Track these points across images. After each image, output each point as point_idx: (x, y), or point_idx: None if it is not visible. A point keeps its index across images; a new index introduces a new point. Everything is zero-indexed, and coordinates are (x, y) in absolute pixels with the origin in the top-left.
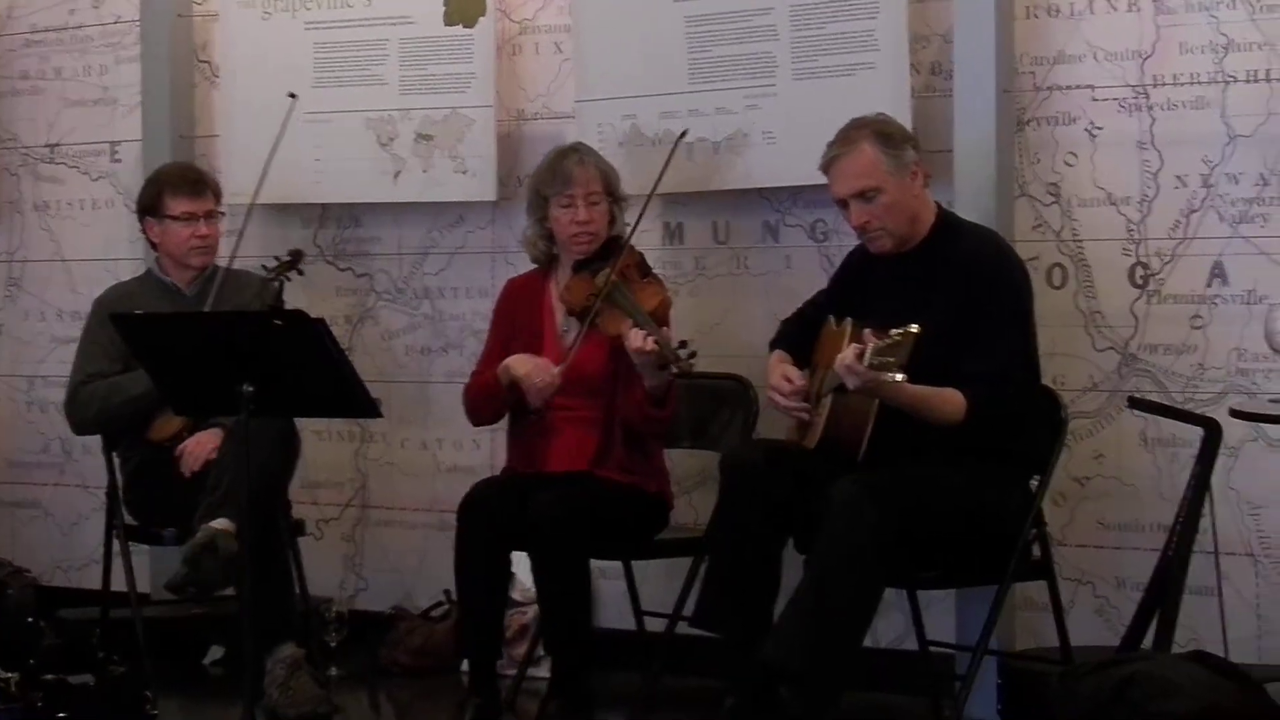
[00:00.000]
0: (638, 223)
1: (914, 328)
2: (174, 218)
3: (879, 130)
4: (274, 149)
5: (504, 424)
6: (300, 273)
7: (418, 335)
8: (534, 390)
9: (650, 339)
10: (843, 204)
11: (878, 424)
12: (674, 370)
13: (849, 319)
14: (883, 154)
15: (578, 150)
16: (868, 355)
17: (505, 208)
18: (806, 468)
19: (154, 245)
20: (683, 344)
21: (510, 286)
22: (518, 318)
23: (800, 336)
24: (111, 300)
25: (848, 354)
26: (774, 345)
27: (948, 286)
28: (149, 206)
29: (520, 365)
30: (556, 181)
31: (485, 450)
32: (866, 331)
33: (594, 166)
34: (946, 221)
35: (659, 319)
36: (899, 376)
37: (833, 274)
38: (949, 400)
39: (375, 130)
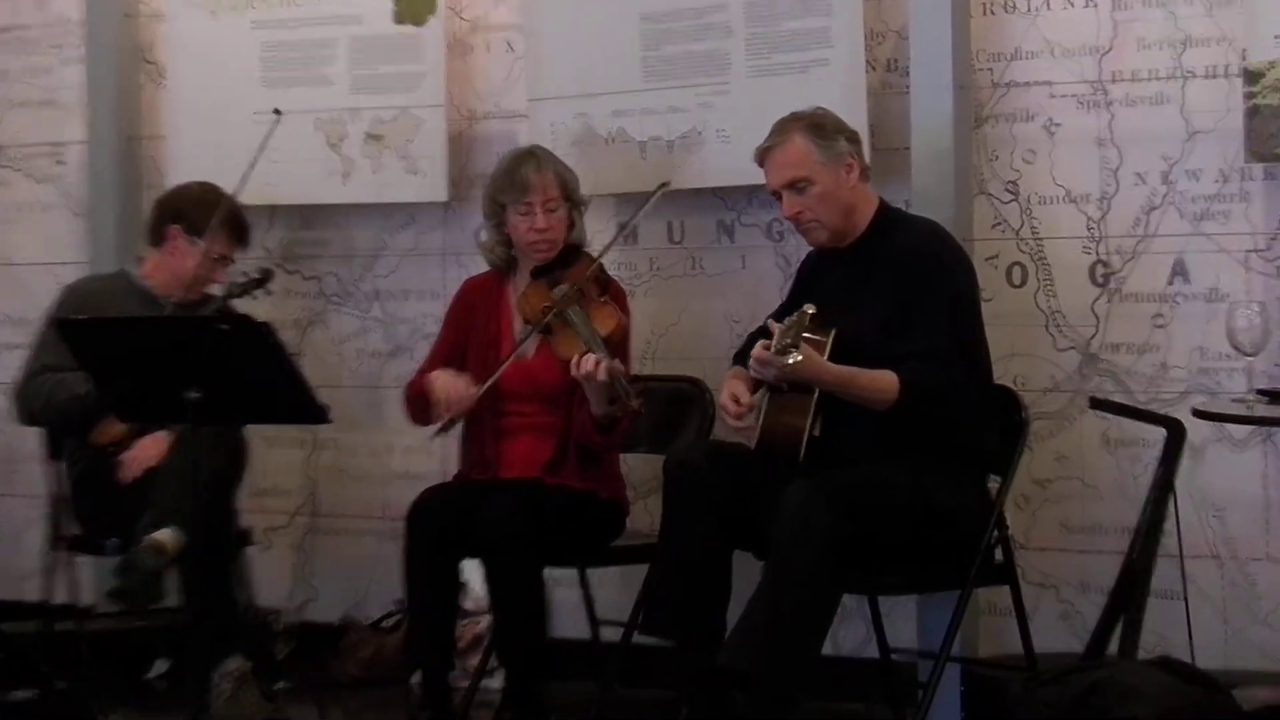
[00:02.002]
0: (605, 250)
1: (808, 308)
2: (208, 252)
3: (812, 122)
4: (253, 163)
5: (458, 430)
6: (268, 293)
7: (368, 339)
8: (445, 406)
9: (602, 366)
10: (776, 195)
11: (819, 422)
12: (620, 410)
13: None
14: (814, 145)
15: (535, 155)
16: (774, 345)
17: (457, 208)
18: (748, 467)
19: (157, 244)
20: (635, 381)
21: (467, 287)
22: (474, 320)
23: None
24: (80, 294)
25: (755, 349)
26: (737, 359)
27: (885, 279)
28: (194, 223)
29: (438, 380)
30: (513, 189)
31: (438, 457)
32: (772, 324)
33: (551, 172)
34: (886, 215)
35: (613, 346)
36: (796, 357)
37: (791, 280)
38: (880, 379)
39: (324, 131)
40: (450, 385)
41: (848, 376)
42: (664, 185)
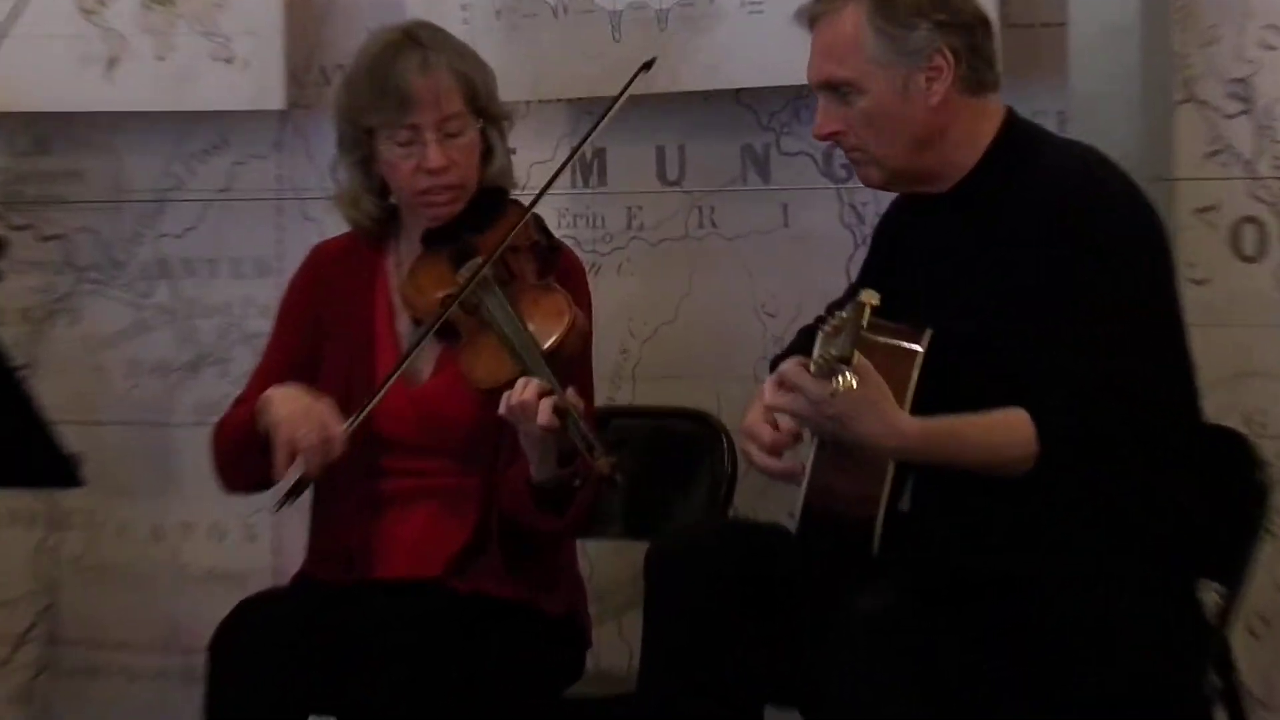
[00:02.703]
0: (544, 189)
1: (867, 296)
2: None
3: None
4: None
5: (304, 499)
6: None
7: (150, 342)
8: (291, 448)
9: (546, 401)
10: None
11: (908, 488)
12: (578, 475)
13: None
14: (870, 29)
15: (418, 42)
16: (815, 356)
17: (301, 121)
18: (787, 562)
19: None
20: (604, 423)
21: (319, 258)
22: (330, 315)
23: None
24: None
25: (788, 369)
26: (775, 365)
27: (1008, 247)
28: None
29: (282, 404)
30: (384, 102)
31: (265, 542)
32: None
33: (447, 69)
34: (1013, 140)
35: (565, 362)
36: (846, 379)
37: (866, 246)
38: (1002, 428)
39: None
40: (302, 414)
41: (950, 430)
42: (647, 64)
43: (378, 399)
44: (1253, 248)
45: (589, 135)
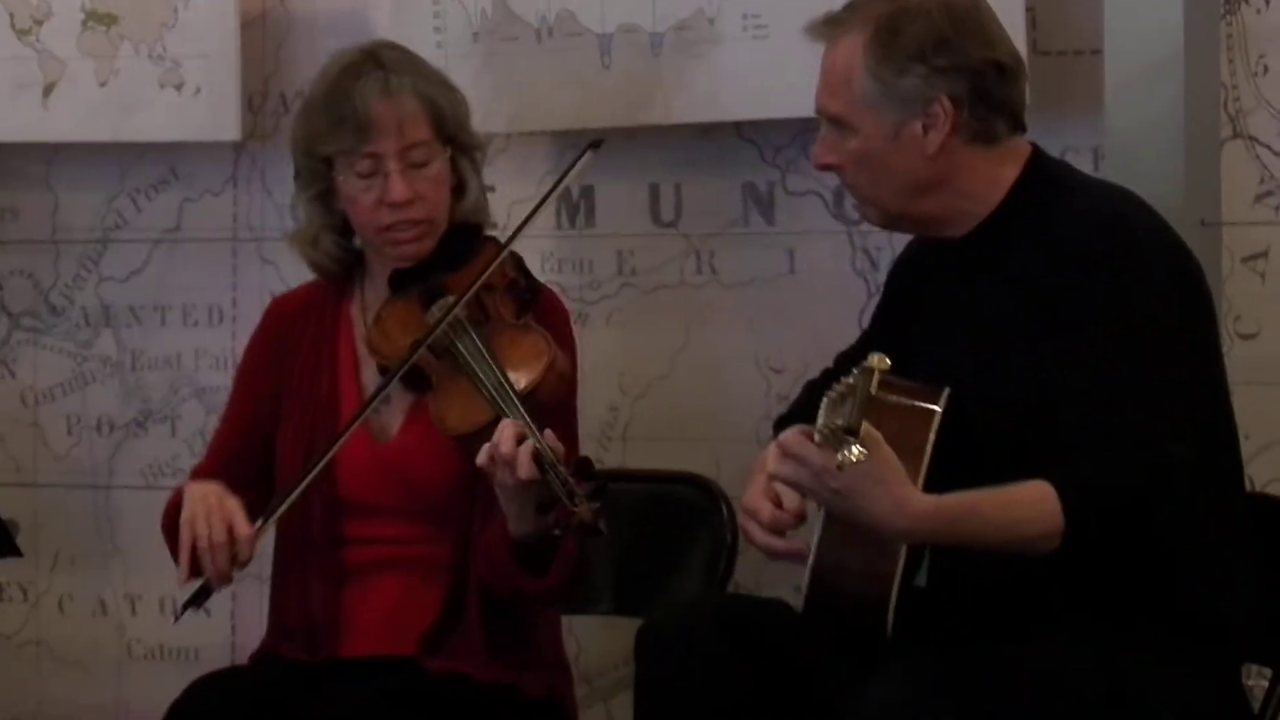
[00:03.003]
0: (521, 226)
1: (877, 361)
2: None
3: (891, 17)
4: None
5: (261, 565)
6: None
7: (91, 396)
8: (191, 552)
9: (526, 446)
10: None
11: (924, 562)
12: (558, 524)
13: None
14: (862, 67)
15: (379, 63)
16: (819, 425)
17: (257, 153)
18: (792, 643)
19: None
20: (584, 465)
21: (276, 315)
22: (290, 372)
23: None
24: None
25: (789, 438)
26: (777, 427)
27: (1029, 298)
28: None
29: (189, 504)
30: (342, 129)
31: (223, 616)
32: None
33: (411, 93)
34: (1037, 179)
35: (544, 406)
36: (855, 451)
37: (879, 298)
38: (1024, 503)
39: (8, 7)
40: (204, 515)
41: (960, 509)
42: (594, 144)
43: (310, 477)
44: None
45: (519, 230)
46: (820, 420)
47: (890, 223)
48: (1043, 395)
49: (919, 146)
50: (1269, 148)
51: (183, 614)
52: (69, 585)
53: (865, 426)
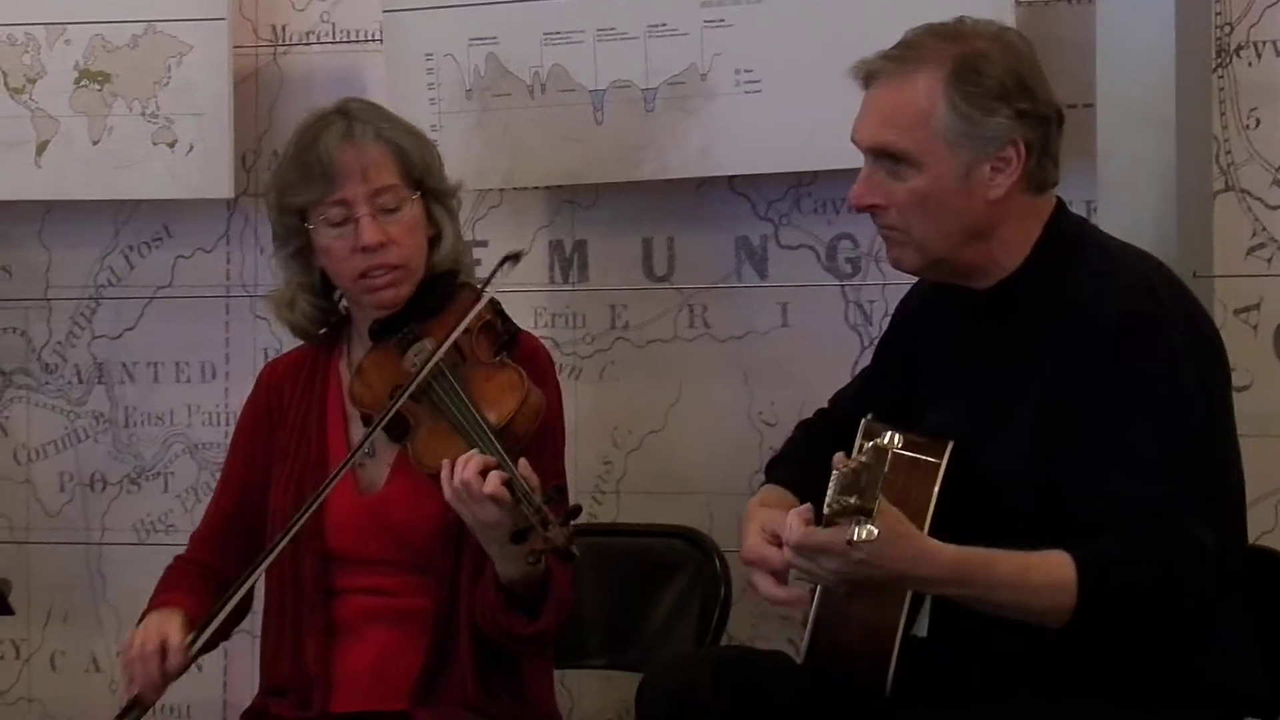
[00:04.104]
0: (492, 275)
1: (889, 439)
2: None
3: (969, 56)
4: None
5: (252, 622)
6: None
7: (84, 453)
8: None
9: (494, 476)
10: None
11: (924, 613)
12: (533, 551)
13: (886, 428)
14: (946, 104)
15: (346, 115)
16: (828, 501)
17: (250, 210)
18: (791, 698)
19: None
20: (557, 491)
21: (269, 378)
22: (282, 434)
23: (820, 456)
24: None
25: (792, 522)
26: (771, 472)
27: (1046, 360)
28: None
29: (137, 631)
30: (309, 178)
31: (215, 673)
32: (839, 459)
33: (374, 139)
34: (1061, 238)
35: (518, 440)
36: (865, 531)
37: (879, 338)
38: (1040, 571)
39: (2, 65)
40: (144, 630)
41: (978, 563)
42: (513, 256)
43: (258, 570)
44: None
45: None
46: (830, 495)
47: (926, 268)
48: (1059, 461)
49: (984, 189)
50: (1261, 200)
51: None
52: (61, 642)
53: (880, 504)
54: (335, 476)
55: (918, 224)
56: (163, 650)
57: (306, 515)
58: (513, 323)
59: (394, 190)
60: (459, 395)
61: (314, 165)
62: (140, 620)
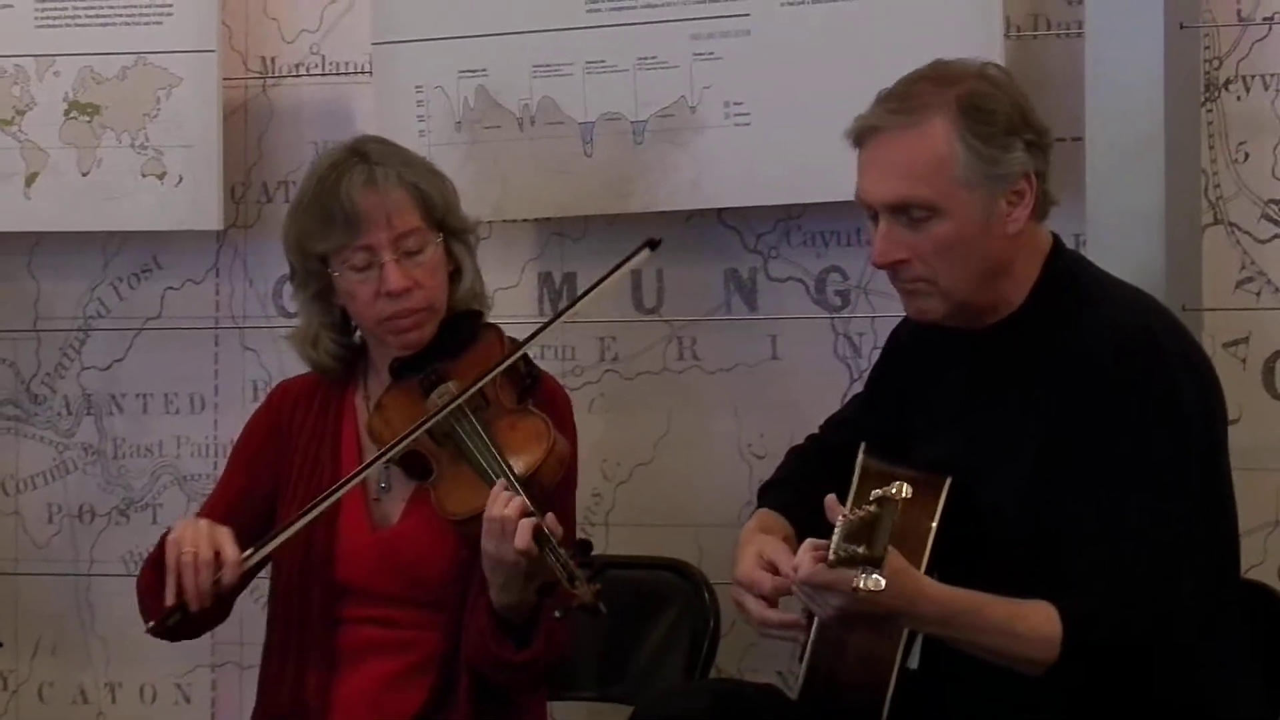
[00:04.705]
0: (526, 341)
1: (898, 489)
2: None
3: (973, 96)
4: None
5: (243, 654)
6: None
7: (72, 485)
8: (176, 568)
9: (526, 521)
10: (873, 214)
11: (917, 645)
12: (558, 605)
13: (890, 472)
14: (963, 146)
15: (364, 158)
16: (834, 547)
17: (239, 242)
18: None
19: None
20: (584, 547)
21: (282, 398)
22: (292, 459)
23: (813, 482)
24: None
25: (803, 561)
26: (763, 497)
27: (1047, 404)
28: None
29: (179, 529)
30: (332, 225)
31: (203, 704)
32: (831, 501)
33: (397, 183)
34: (1061, 276)
35: (544, 490)
36: (872, 581)
37: (871, 369)
38: (1029, 620)
39: None
40: (191, 533)
41: (968, 606)
42: (650, 245)
43: (299, 523)
44: None
45: (571, 304)
46: (835, 540)
47: (949, 314)
48: (1056, 501)
49: (1003, 225)
50: (1250, 234)
51: (156, 632)
52: (50, 673)
53: (889, 554)
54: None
55: (945, 271)
56: (217, 561)
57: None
58: (535, 365)
59: (418, 233)
60: (484, 442)
61: (336, 212)
62: (157, 553)
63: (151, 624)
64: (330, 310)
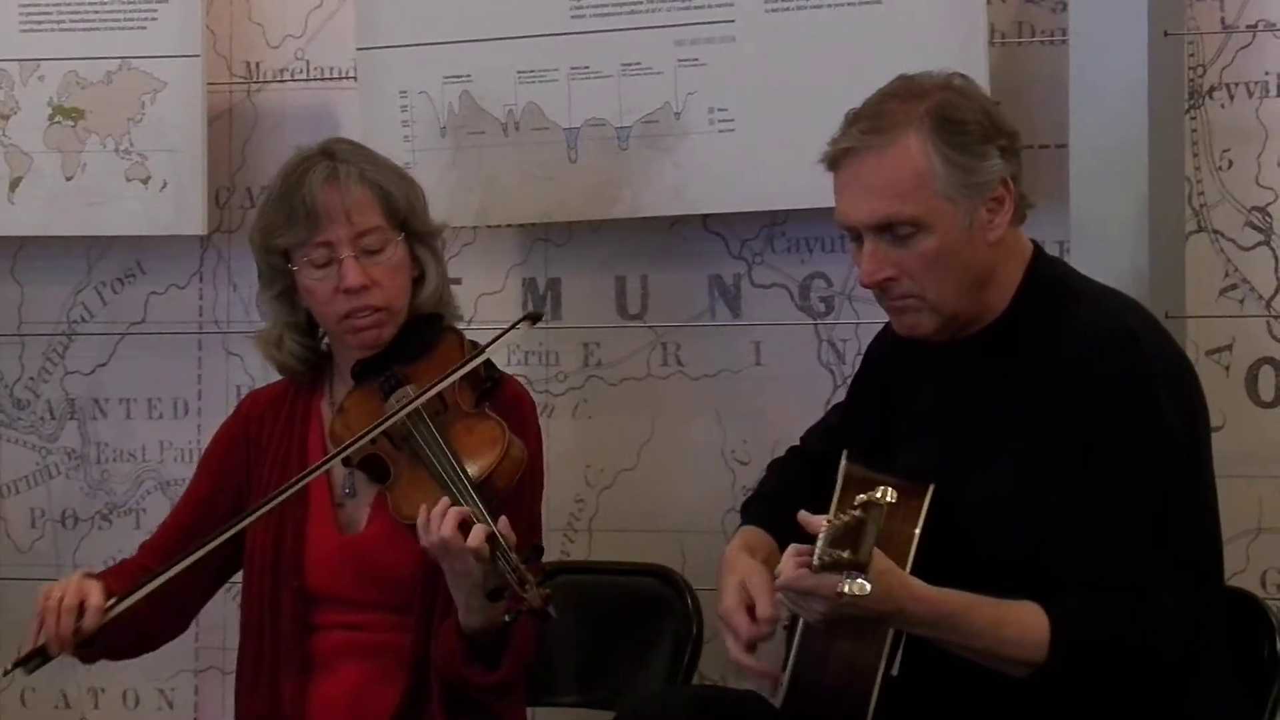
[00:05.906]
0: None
1: (883, 494)
2: None
3: (942, 108)
4: None
5: (225, 659)
6: None
7: (55, 490)
8: (39, 616)
9: (478, 530)
10: (855, 235)
11: (900, 652)
12: (508, 610)
13: (874, 478)
14: (940, 159)
15: (331, 156)
16: (818, 552)
17: (224, 247)
18: None
19: None
20: (535, 551)
21: (250, 408)
22: (260, 467)
23: (795, 493)
24: None
25: (786, 566)
26: (747, 511)
27: (1030, 410)
28: None
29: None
30: (293, 220)
31: (186, 710)
32: (819, 517)
33: (358, 181)
34: (1042, 282)
35: (499, 495)
36: (857, 585)
37: (853, 376)
38: (1017, 622)
39: None
40: (65, 584)
41: (956, 607)
42: (530, 318)
43: (166, 575)
44: (1270, 392)
45: (465, 362)
46: (820, 545)
47: (939, 329)
48: (1042, 507)
49: (984, 233)
50: (1233, 241)
51: (10, 672)
52: (32, 678)
53: (874, 558)
54: (290, 486)
55: (933, 285)
56: (80, 608)
57: (275, 501)
58: (497, 369)
59: (378, 232)
60: (440, 445)
61: (298, 207)
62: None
63: (9, 665)
64: (295, 310)
